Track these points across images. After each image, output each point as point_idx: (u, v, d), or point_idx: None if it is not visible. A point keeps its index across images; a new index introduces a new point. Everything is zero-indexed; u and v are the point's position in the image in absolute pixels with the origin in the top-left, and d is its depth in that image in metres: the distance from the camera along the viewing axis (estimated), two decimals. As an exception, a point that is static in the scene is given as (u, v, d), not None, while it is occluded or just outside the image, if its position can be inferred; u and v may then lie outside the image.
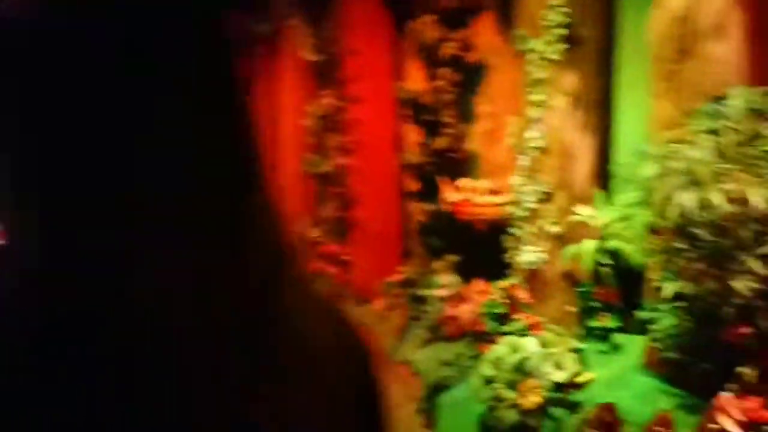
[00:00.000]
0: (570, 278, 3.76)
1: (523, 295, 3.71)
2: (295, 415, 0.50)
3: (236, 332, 0.47)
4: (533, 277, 3.83)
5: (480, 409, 3.24)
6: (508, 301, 3.70)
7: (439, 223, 5.05)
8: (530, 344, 2.95)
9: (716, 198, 2.24)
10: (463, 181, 4.70)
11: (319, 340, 0.58)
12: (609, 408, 2.82)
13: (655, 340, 3.16)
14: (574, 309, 3.74)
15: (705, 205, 2.27)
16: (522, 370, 2.93)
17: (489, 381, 3.03)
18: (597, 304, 3.63)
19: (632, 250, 3.42)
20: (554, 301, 3.78)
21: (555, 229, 3.69)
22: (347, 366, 0.63)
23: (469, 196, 4.50)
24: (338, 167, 5.93)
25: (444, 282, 4.60)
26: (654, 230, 3.20)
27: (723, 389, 2.77)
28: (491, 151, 4.89)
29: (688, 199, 2.27)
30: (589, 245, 3.48)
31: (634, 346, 3.52)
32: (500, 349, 2.96)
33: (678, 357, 3.02)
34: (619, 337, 3.61)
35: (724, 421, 2.56)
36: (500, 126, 4.79)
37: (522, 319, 3.60)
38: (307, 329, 0.56)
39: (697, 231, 2.68)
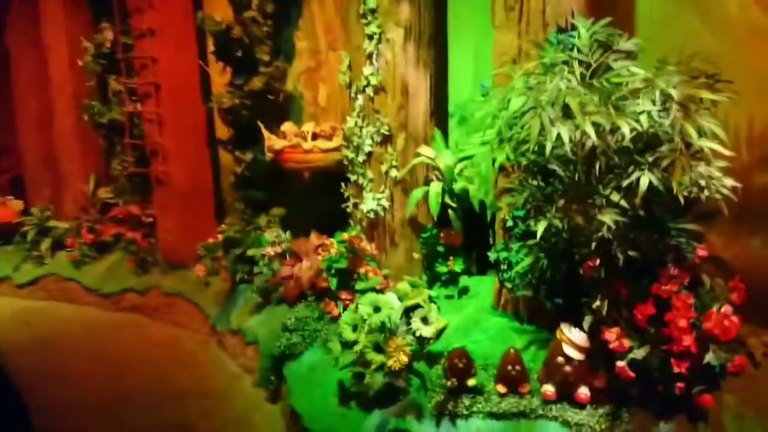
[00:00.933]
0: (413, 224, 3.59)
1: (367, 246, 3.45)
2: None
3: None
4: (375, 225, 3.59)
5: (338, 376, 2.94)
6: (350, 254, 3.41)
7: (259, 174, 4.54)
8: (392, 301, 2.70)
9: (590, 130, 2.14)
10: (286, 126, 4.24)
11: None
12: (460, 354, 2.71)
13: (506, 280, 3.12)
14: (418, 256, 3.59)
15: (580, 137, 2.16)
16: (387, 330, 2.67)
17: (350, 345, 2.73)
18: (442, 249, 3.51)
19: (479, 191, 3.33)
20: (399, 249, 3.59)
21: (396, 173, 3.45)
22: None
23: (295, 141, 4.07)
24: (130, 115, 5.03)
25: (272, 239, 4.16)
26: (505, 169, 3.12)
27: (576, 322, 2.82)
28: (315, 92, 4.48)
29: (565, 131, 2.14)
30: (435, 188, 3.30)
31: (483, 288, 3.49)
32: (361, 308, 2.67)
33: (531, 295, 3.02)
34: (465, 280, 3.55)
35: (570, 351, 2.60)
36: (323, 63, 4.39)
37: (370, 273, 3.34)
38: None
39: (557, 167, 2.62)
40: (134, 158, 5.15)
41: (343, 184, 3.79)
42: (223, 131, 4.69)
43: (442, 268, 3.47)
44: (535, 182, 2.71)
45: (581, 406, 2.60)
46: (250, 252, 4.13)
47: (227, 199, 4.80)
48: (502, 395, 2.70)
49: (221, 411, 3.45)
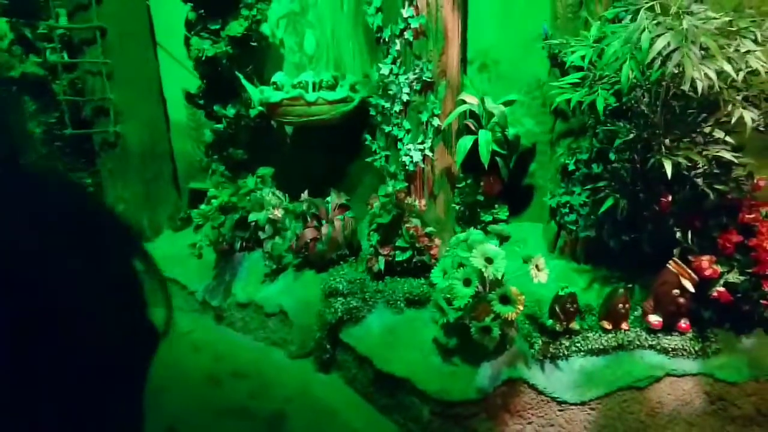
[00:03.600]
0: (449, 174, 3.50)
1: (413, 201, 3.30)
2: None
3: None
4: (413, 178, 3.44)
5: (428, 335, 2.84)
6: (397, 209, 3.25)
7: (243, 131, 4.10)
8: (500, 251, 2.62)
9: (729, 68, 2.23)
10: (279, 77, 3.84)
11: None
12: (572, 298, 2.76)
13: (568, 222, 3.19)
14: (458, 206, 3.53)
15: (719, 74, 2.23)
16: (499, 282, 2.61)
17: (451, 300, 2.62)
18: (481, 198, 3.48)
19: (535, 136, 3.33)
20: (437, 201, 3.49)
21: (438, 121, 3.32)
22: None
23: (296, 93, 3.71)
24: (62, 67, 4.21)
25: (275, 201, 3.82)
26: (563, 113, 3.14)
27: (642, 259, 2.98)
28: (299, 39, 4.10)
29: (710, 71, 2.20)
30: (485, 136, 3.24)
31: (524, 233, 3.53)
32: (475, 261, 2.56)
33: (594, 235, 3.12)
34: (493, 228, 3.56)
35: (687, 284, 2.74)
36: (309, 6, 4.03)
37: (411, 229, 3.20)
38: None
39: (645, 108, 2.70)
40: (71, 118, 4.33)
41: (368, 137, 3.56)
42: (192, 84, 4.13)
43: (486, 217, 3.45)
44: (620, 124, 2.78)
45: (680, 333, 2.78)
46: (253, 216, 3.75)
47: (205, 160, 4.25)
48: (606, 331, 2.80)
49: (271, 388, 3.16)
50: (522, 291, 2.80)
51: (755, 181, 2.84)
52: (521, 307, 2.58)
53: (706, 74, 2.21)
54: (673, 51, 2.23)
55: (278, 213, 3.72)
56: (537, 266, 2.62)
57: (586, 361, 2.77)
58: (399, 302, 3.05)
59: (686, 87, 2.19)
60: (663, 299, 2.76)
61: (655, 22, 2.36)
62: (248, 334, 3.70)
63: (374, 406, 2.94)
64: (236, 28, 3.87)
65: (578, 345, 2.78)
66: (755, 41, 2.43)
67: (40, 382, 0.44)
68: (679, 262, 2.76)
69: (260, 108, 3.88)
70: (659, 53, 2.25)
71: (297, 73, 4.03)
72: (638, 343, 2.78)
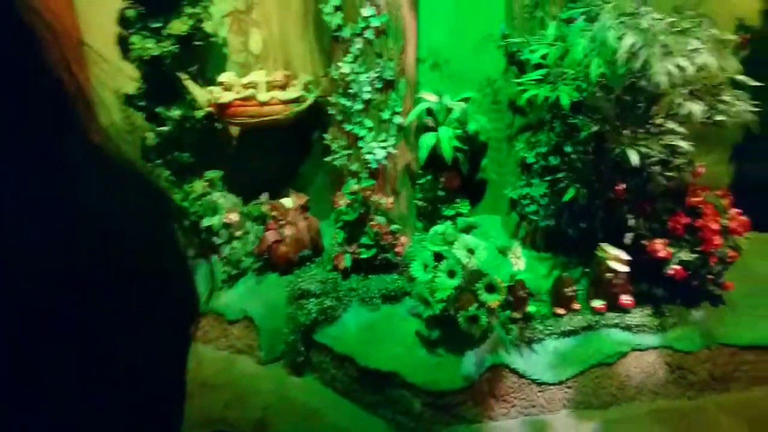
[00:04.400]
0: (409, 171, 3.55)
1: (381, 199, 3.32)
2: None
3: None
4: (375, 176, 3.46)
5: (410, 328, 2.88)
6: (363, 207, 3.26)
7: (188, 133, 3.93)
8: (480, 242, 2.70)
9: (686, 64, 2.44)
10: (227, 77, 3.74)
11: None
12: (521, 285, 2.89)
13: (529, 213, 3.34)
14: (420, 201, 3.59)
15: (681, 71, 2.44)
16: (479, 272, 2.69)
17: (433, 293, 2.68)
18: (442, 193, 3.57)
19: (487, 132, 3.45)
20: (400, 198, 3.53)
21: (400, 119, 3.36)
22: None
23: (249, 93, 3.62)
24: None
25: (228, 205, 3.71)
26: (521, 109, 3.29)
27: (599, 245, 3.18)
28: (244, 38, 4.00)
29: (672, 67, 2.40)
30: (446, 132, 3.32)
31: (486, 225, 3.65)
32: (457, 253, 2.62)
33: (554, 224, 3.29)
34: (461, 221, 3.66)
35: (616, 266, 2.96)
36: (255, 5, 3.94)
37: (375, 227, 3.23)
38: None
39: (603, 102, 2.89)
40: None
41: (327, 136, 3.53)
42: (123, 85, 3.91)
43: (449, 212, 3.53)
44: (581, 117, 2.96)
45: (628, 311, 3.00)
46: (206, 221, 3.61)
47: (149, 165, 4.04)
48: (560, 316, 2.96)
49: (246, 397, 3.06)
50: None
51: (696, 168, 3.13)
52: (503, 296, 2.68)
53: (668, 70, 2.41)
54: (640, 48, 2.41)
55: (233, 217, 3.61)
56: (515, 255, 2.73)
57: (560, 343, 2.92)
58: (375, 299, 3.07)
59: (654, 81, 2.37)
60: (600, 284, 2.97)
61: (618, 21, 2.54)
62: (208, 344, 3.56)
63: (358, 404, 2.93)
64: (179, 26, 3.71)
65: (551, 328, 2.92)
66: (699, 40, 2.69)
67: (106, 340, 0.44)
68: (604, 247, 2.98)
69: (208, 109, 3.75)
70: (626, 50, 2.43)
71: (243, 73, 3.94)
72: (604, 322, 2.97)
